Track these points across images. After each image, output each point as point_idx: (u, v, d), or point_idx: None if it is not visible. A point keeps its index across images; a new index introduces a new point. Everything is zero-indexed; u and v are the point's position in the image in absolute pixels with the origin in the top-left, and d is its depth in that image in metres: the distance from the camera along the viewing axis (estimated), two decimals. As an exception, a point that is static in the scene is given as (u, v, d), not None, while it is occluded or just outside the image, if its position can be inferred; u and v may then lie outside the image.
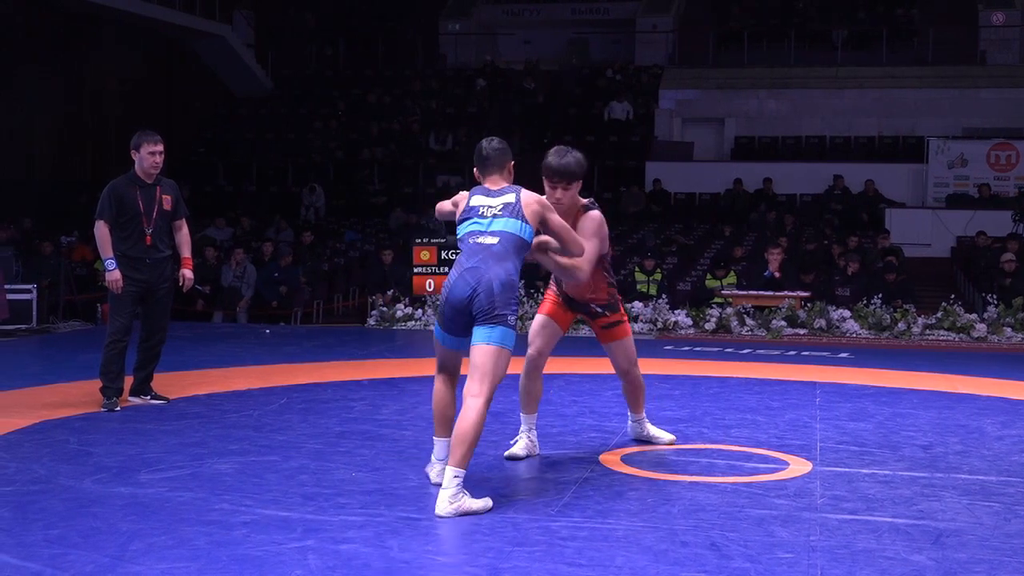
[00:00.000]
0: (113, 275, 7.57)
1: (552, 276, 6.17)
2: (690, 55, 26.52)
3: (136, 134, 7.74)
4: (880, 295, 13.67)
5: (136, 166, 7.71)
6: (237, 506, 4.97)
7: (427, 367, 10.30)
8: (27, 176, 21.03)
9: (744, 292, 13.95)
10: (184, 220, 8.00)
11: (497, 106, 25.16)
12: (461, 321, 5.30)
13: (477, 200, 5.44)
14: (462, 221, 5.45)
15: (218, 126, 26.01)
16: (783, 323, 13.12)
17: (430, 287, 14.47)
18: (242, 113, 26.24)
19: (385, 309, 14.32)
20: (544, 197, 5.58)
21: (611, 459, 6.08)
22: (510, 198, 5.39)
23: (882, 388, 9.04)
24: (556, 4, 30.05)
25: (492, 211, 5.38)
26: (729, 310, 13.55)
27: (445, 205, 5.78)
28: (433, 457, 5.50)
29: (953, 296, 14.02)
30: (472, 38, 29.57)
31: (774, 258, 14.23)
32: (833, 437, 6.78)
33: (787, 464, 6.03)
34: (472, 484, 5.39)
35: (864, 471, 5.90)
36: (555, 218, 5.49)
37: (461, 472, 4.96)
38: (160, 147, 7.69)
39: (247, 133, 25.26)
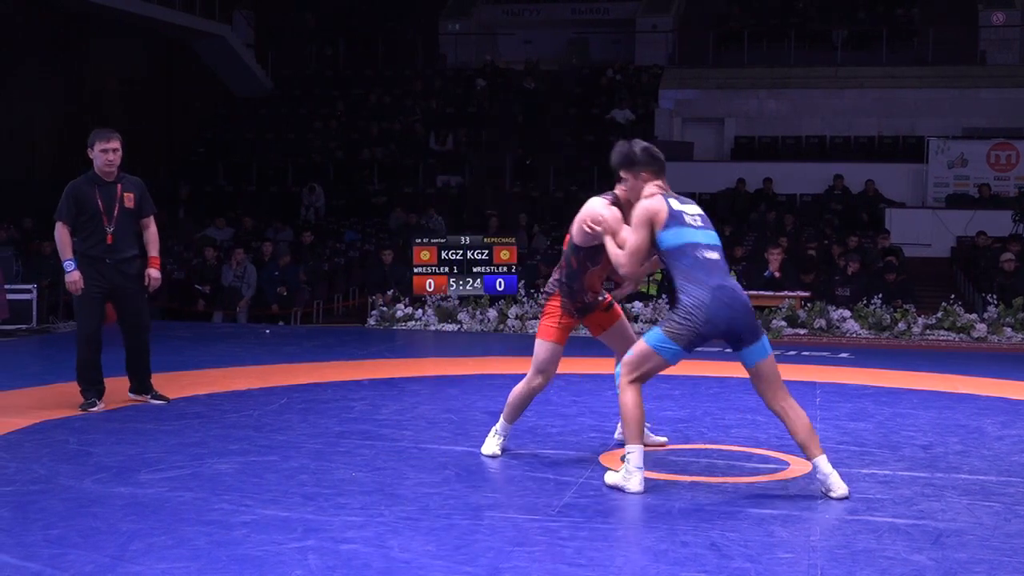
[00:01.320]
0: (71, 276, 7.45)
1: (561, 286, 6.04)
2: (690, 55, 26.50)
3: (93, 131, 7.59)
4: (880, 295, 13.67)
5: (94, 165, 7.57)
6: (237, 506, 4.97)
7: (427, 367, 10.33)
8: (27, 176, 21.02)
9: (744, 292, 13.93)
10: (152, 218, 7.80)
11: (497, 106, 25.16)
12: (707, 341, 5.48)
13: (676, 206, 5.48)
14: (673, 227, 5.40)
15: (218, 126, 26.01)
16: (783, 323, 13.12)
17: (430, 287, 14.49)
18: (242, 113, 26.23)
19: (385, 309, 14.33)
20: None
21: (611, 459, 6.08)
22: (698, 208, 5.58)
23: (882, 388, 9.04)
24: (556, 4, 30.03)
25: (696, 221, 5.48)
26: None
27: (613, 221, 5.68)
28: (634, 467, 5.35)
29: (953, 296, 14.03)
30: (472, 38, 29.56)
31: (774, 258, 14.23)
32: (833, 437, 6.78)
33: (787, 464, 6.03)
34: (471, 483, 5.40)
35: (864, 471, 5.90)
36: None
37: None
38: (114, 144, 7.49)
39: (247, 133, 25.25)
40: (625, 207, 5.72)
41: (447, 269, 14.61)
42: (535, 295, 14.06)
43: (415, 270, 14.64)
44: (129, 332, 7.73)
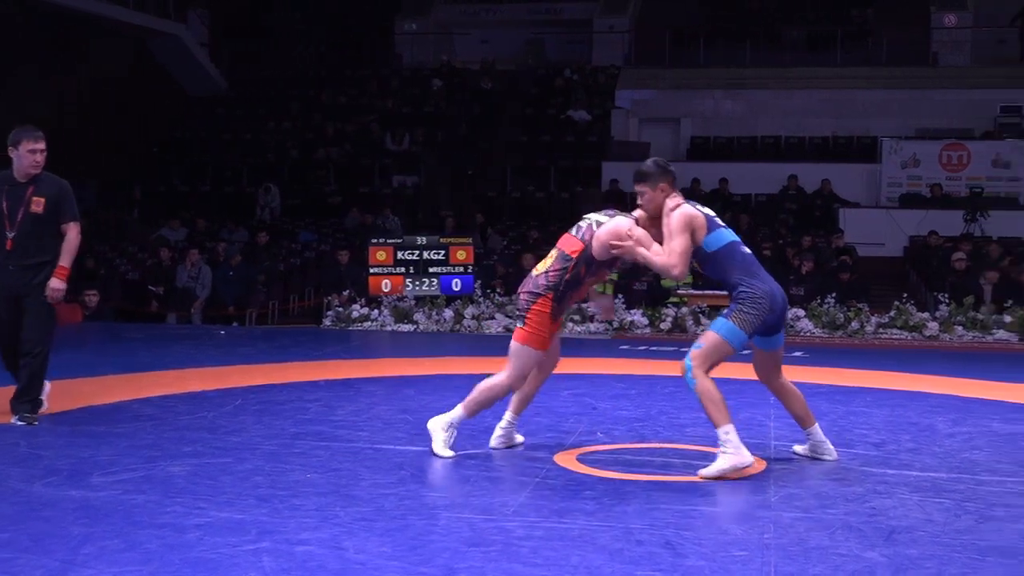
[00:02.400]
0: None
1: (556, 290, 6.09)
2: (646, 55, 26.59)
3: (15, 130, 7.12)
4: (834, 294, 13.79)
5: (14, 164, 7.10)
6: (191, 509, 4.93)
7: (383, 368, 10.30)
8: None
9: (700, 292, 14.02)
10: (72, 224, 7.15)
11: (454, 106, 25.14)
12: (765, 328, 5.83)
13: (705, 211, 5.91)
14: (714, 229, 5.83)
15: (172, 126, 25.80)
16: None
17: (386, 287, 14.45)
18: (197, 113, 26.06)
19: (341, 309, 14.28)
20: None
21: (567, 459, 6.09)
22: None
23: (836, 386, 9.11)
24: (513, 4, 30.03)
25: (720, 221, 5.93)
26: (685, 310, 13.62)
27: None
28: (735, 445, 5.66)
29: (906, 295, 14.17)
30: (429, 38, 29.51)
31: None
32: (787, 435, 6.82)
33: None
34: (427, 483, 5.40)
35: (817, 469, 5.95)
36: None
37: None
38: (41, 145, 7.06)
39: (202, 133, 25.09)
40: (646, 226, 6.00)
41: (403, 269, 14.57)
42: (491, 295, 14.06)
43: (371, 270, 14.60)
44: (22, 347, 7.10)
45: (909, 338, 13.11)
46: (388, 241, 14.96)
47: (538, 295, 6.07)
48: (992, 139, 21.98)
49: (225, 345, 11.93)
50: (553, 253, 6.18)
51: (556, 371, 8.60)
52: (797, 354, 11.42)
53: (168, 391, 8.36)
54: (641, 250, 5.87)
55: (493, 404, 6.19)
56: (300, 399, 8.09)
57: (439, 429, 6.17)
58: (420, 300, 14.20)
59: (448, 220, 18.67)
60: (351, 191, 22.45)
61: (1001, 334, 13.01)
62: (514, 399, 6.39)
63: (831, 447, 6.13)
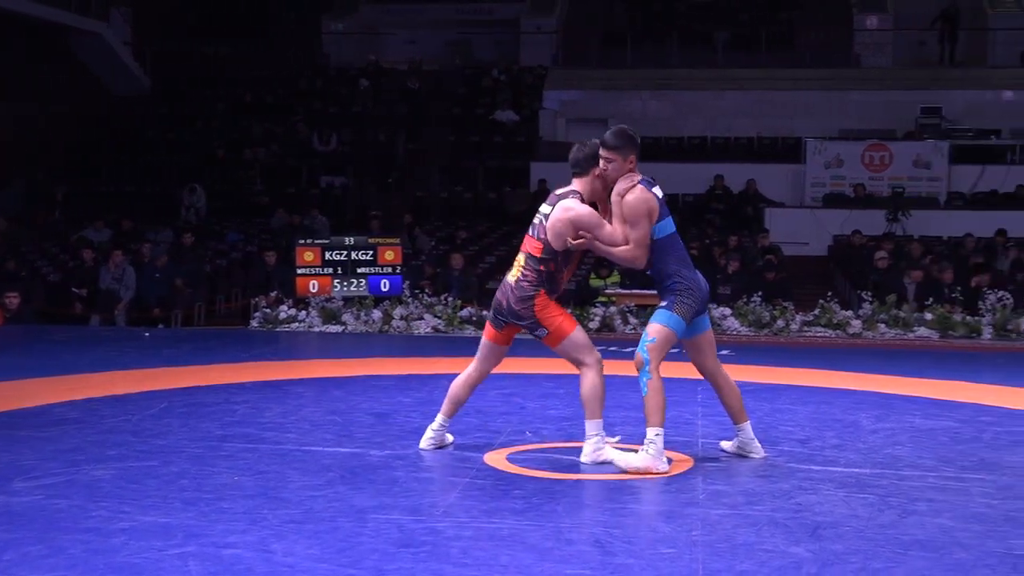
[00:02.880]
0: None
1: (542, 284, 6.07)
2: (574, 56, 26.70)
3: None
4: (760, 293, 13.93)
5: None
6: (115, 513, 4.86)
7: (311, 369, 10.23)
8: None
9: (627, 291, 14.09)
10: None
11: (381, 106, 25.05)
12: None
13: (659, 193, 5.91)
14: (664, 217, 5.88)
15: (95, 125, 25.42)
16: (666, 321, 13.26)
17: (314, 288, 14.35)
18: (120, 112, 25.70)
19: (268, 311, 14.16)
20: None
21: (496, 458, 6.10)
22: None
23: (761, 384, 9.20)
24: (440, 4, 29.98)
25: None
26: (613, 309, 13.69)
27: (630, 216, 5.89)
28: (659, 450, 5.72)
29: (830, 293, 14.34)
30: (355, 37, 29.38)
31: (656, 257, 14.38)
32: (714, 433, 6.89)
33: (670, 460, 6.10)
34: (356, 485, 5.38)
35: (744, 466, 6.01)
36: None
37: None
38: None
39: (125, 133, 24.75)
40: (596, 200, 6.05)
41: (331, 270, 14.48)
42: (420, 295, 14.03)
43: (299, 271, 14.49)
44: None
45: (833, 336, 13.28)
46: (315, 242, 14.86)
47: (532, 297, 6.03)
48: (913, 140, 22.36)
49: (150, 347, 11.78)
50: (520, 258, 6.13)
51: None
52: (724, 352, 11.44)
53: (92, 394, 8.23)
54: (600, 245, 5.87)
55: (603, 397, 6.05)
56: (227, 401, 8.01)
57: (600, 449, 5.98)
58: (348, 301, 14.12)
59: (373, 221, 18.59)
60: (278, 191, 22.29)
61: (922, 331, 13.23)
62: (446, 402, 6.38)
63: (759, 446, 6.20)
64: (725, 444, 6.37)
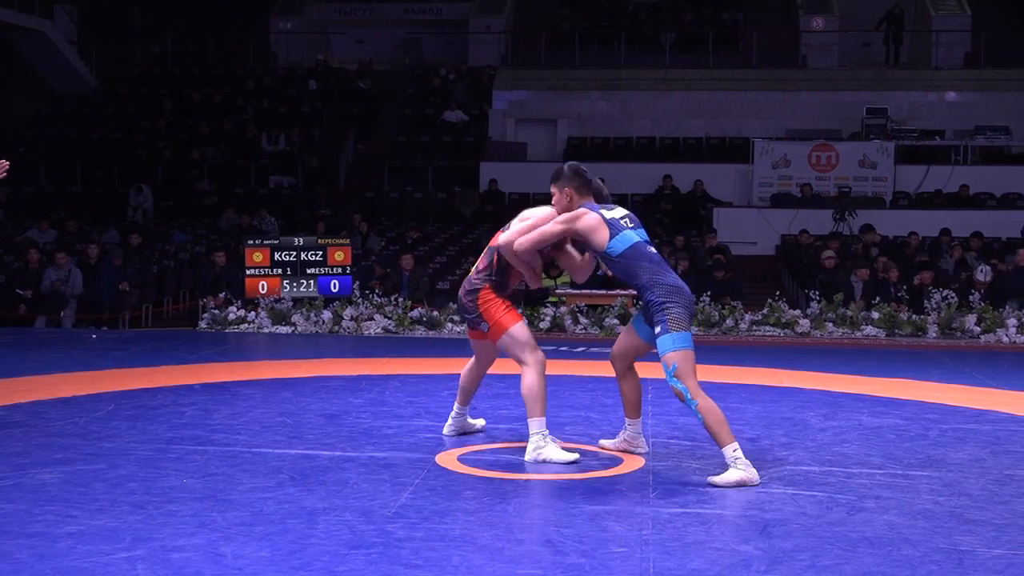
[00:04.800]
0: None
1: (491, 281, 6.21)
2: (522, 56, 26.73)
3: None
4: (708, 293, 14.02)
5: None
6: (62, 517, 4.81)
7: (261, 370, 10.16)
8: None
9: (578, 291, 14.12)
10: None
11: (330, 106, 24.95)
12: None
13: (608, 214, 5.95)
14: (617, 233, 5.87)
15: (39, 125, 25.12)
16: (616, 321, 13.33)
17: (263, 289, 14.27)
18: (65, 112, 25.41)
19: (217, 312, 14.06)
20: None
21: (448, 459, 6.09)
22: (623, 210, 6.11)
23: (710, 383, 9.20)
24: (388, 4, 29.89)
25: (628, 222, 5.98)
26: (563, 309, 13.72)
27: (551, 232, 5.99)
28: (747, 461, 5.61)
29: (778, 293, 14.46)
30: (304, 37, 29.24)
31: (607, 257, 14.43)
32: (665, 432, 6.92)
33: (621, 460, 6.13)
34: (306, 487, 5.35)
35: (695, 465, 6.04)
36: None
37: None
38: None
39: (70, 132, 24.48)
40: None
41: (280, 271, 14.41)
42: (370, 296, 13.99)
43: (248, 272, 14.40)
44: None
45: (781, 335, 13.39)
46: (264, 242, 14.77)
47: (478, 290, 6.18)
48: (859, 140, 22.59)
49: (97, 349, 11.66)
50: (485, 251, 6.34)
51: (436, 372, 8.60)
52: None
53: (37, 397, 8.13)
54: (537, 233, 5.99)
55: (544, 395, 6.05)
56: (175, 403, 7.94)
57: (540, 447, 6.02)
58: (298, 302, 14.06)
59: (318, 224, 18.49)
60: (226, 191, 22.15)
61: (869, 330, 13.36)
62: (458, 391, 6.67)
63: (644, 441, 6.30)
64: (605, 442, 6.46)
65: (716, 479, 5.56)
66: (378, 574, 4.11)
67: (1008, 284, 14.88)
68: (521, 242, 5.96)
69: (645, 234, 6.05)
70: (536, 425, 6.05)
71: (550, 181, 6.10)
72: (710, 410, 5.62)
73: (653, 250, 5.98)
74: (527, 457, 6.04)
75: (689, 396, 5.63)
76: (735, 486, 5.50)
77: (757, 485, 5.52)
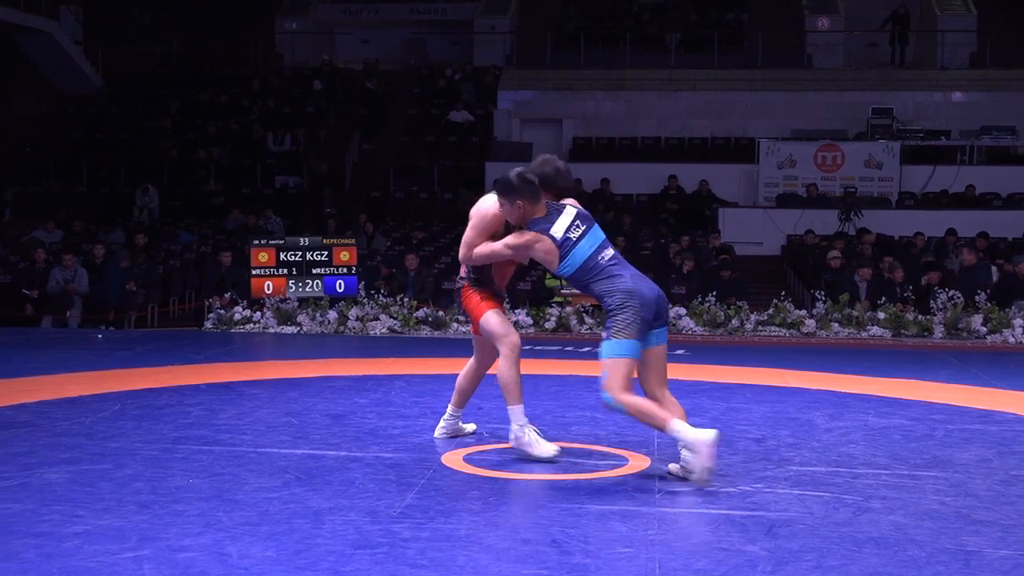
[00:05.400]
0: None
1: (470, 280, 6.27)
2: (528, 56, 26.72)
3: None
4: (714, 293, 14.01)
5: None
6: (69, 517, 4.81)
7: (266, 370, 10.17)
8: None
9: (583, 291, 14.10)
10: None
11: (335, 106, 24.97)
12: (650, 325, 5.68)
13: (559, 232, 5.79)
14: (563, 258, 5.77)
15: (46, 126, 25.14)
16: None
17: (269, 289, 14.28)
18: (70, 112, 25.45)
19: (223, 312, 14.07)
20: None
21: (454, 459, 6.09)
22: (573, 211, 5.94)
23: (717, 383, 9.25)
24: (394, 4, 29.91)
25: (577, 231, 5.81)
26: (568, 309, 13.72)
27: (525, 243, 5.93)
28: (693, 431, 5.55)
29: (783, 293, 14.45)
30: (309, 37, 29.27)
31: (612, 257, 14.42)
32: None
33: (626, 460, 6.12)
34: (312, 487, 5.36)
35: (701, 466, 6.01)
36: None
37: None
38: None
39: (76, 133, 24.52)
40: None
41: (286, 271, 14.42)
42: (375, 296, 14.00)
43: (253, 272, 14.41)
44: None
45: (787, 335, 13.38)
46: (270, 242, 14.78)
47: (460, 288, 6.31)
48: (864, 140, 22.56)
49: (103, 349, 11.67)
50: None
51: (441, 372, 8.60)
52: (679, 352, 11.56)
53: (43, 396, 8.14)
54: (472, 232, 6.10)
55: (518, 379, 6.07)
56: (181, 403, 7.94)
57: (521, 437, 6.05)
58: (303, 302, 14.06)
59: (329, 222, 18.54)
60: (232, 192, 22.17)
61: (875, 330, 13.34)
62: (454, 393, 6.61)
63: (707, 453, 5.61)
64: (673, 466, 5.89)
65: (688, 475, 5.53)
66: (384, 574, 4.12)
67: (1015, 284, 14.84)
68: (474, 257, 6.04)
69: (599, 233, 5.88)
70: (513, 413, 6.08)
71: (496, 191, 5.91)
72: (637, 410, 5.58)
73: (608, 252, 5.83)
74: (511, 444, 6.12)
75: (613, 405, 5.60)
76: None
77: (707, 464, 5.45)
